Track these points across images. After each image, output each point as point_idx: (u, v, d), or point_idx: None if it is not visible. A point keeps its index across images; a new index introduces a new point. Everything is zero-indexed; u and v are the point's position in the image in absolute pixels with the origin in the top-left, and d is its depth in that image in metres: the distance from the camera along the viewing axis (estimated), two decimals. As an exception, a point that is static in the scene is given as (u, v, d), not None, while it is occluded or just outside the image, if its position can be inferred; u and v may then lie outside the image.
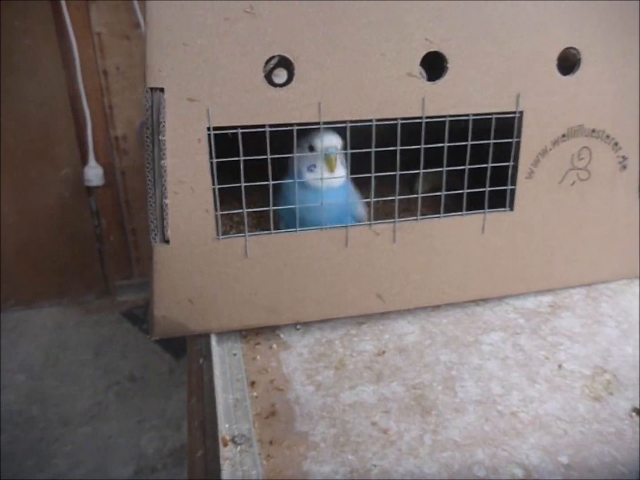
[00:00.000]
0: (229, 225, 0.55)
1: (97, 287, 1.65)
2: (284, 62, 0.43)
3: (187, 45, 0.40)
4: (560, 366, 0.44)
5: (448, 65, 0.45)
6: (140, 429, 1.17)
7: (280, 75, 0.45)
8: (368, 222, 0.48)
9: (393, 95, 0.45)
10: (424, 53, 0.44)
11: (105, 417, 1.21)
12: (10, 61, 1.41)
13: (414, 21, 0.44)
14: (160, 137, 0.41)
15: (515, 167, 0.50)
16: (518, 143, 0.50)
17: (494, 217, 0.52)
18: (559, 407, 0.39)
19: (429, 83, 0.45)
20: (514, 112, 0.49)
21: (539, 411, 0.39)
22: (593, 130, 0.52)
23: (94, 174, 1.53)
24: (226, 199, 0.46)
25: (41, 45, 1.43)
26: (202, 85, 0.41)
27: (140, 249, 1.66)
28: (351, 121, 0.46)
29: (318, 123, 0.44)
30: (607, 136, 0.53)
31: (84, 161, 1.53)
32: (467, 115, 0.48)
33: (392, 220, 0.48)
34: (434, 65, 0.47)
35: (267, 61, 0.42)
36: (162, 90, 0.40)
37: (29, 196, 1.53)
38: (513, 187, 0.51)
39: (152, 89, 0.40)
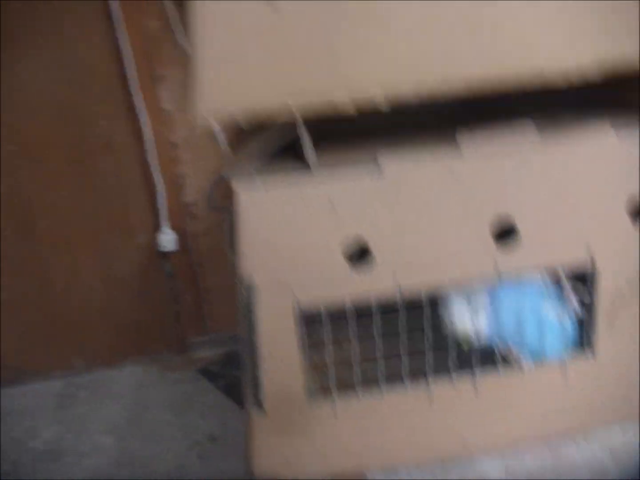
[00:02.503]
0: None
1: (174, 344, 1.73)
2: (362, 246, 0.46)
3: (274, 242, 0.43)
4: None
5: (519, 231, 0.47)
6: (223, 492, 1.21)
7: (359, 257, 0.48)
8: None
9: (467, 261, 0.47)
10: (494, 222, 0.46)
11: (189, 478, 1.26)
12: (88, 142, 1.54)
13: (482, 194, 0.46)
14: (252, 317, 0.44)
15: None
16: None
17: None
18: None
19: (501, 249, 0.47)
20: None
21: None
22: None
23: (167, 239, 1.62)
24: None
25: (115, 125, 1.54)
26: (288, 271, 0.44)
27: (214, 305, 1.73)
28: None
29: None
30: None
31: (157, 228, 1.63)
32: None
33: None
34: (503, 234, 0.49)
35: (346, 244, 0.45)
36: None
37: (109, 264, 1.64)
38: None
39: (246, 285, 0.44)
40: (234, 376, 1.59)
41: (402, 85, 0.44)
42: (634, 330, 0.49)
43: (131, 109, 1.52)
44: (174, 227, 1.63)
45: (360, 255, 0.48)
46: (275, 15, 0.41)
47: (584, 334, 0.49)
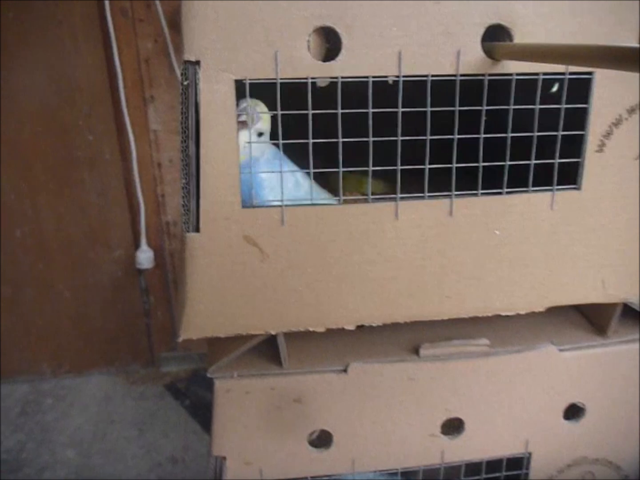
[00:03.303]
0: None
1: (142, 357, 1.76)
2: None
3: (246, 428, 0.47)
4: None
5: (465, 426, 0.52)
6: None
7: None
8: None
9: (417, 451, 0.52)
10: (444, 419, 0.51)
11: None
12: (73, 155, 1.53)
13: (435, 396, 0.50)
14: None
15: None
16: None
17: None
18: None
19: (448, 439, 0.52)
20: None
21: None
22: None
23: (145, 257, 1.64)
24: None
25: (102, 141, 1.54)
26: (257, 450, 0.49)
27: (184, 321, 1.76)
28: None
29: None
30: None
31: (136, 244, 1.64)
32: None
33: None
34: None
35: (310, 434, 0.49)
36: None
37: (84, 275, 1.65)
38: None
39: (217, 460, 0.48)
40: (199, 396, 1.65)
41: (372, 318, 0.48)
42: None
43: (119, 127, 1.52)
44: (152, 244, 1.65)
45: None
46: (262, 263, 0.44)
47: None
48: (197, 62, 0.42)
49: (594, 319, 0.59)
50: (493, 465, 0.58)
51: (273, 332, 0.48)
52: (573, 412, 0.59)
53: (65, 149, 1.53)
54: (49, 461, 1.43)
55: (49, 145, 1.51)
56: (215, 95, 0.43)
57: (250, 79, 0.43)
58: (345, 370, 0.52)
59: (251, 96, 0.45)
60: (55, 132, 1.50)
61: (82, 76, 1.46)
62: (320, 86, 0.48)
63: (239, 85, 0.43)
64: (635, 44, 0.45)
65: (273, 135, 0.45)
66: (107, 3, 1.36)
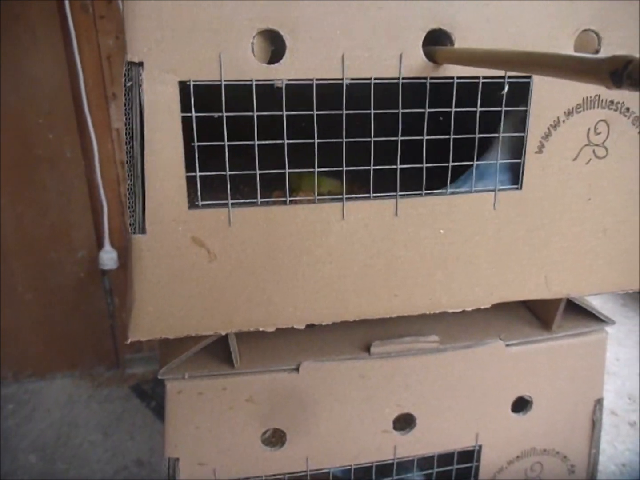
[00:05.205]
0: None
1: (107, 359, 1.74)
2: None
3: (198, 428, 0.48)
4: None
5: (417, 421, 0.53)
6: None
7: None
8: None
9: (370, 447, 0.53)
10: (396, 415, 0.52)
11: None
12: (33, 154, 1.50)
13: (386, 392, 0.51)
14: None
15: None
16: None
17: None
18: None
19: (400, 434, 0.53)
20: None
21: None
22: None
23: (108, 257, 1.61)
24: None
25: (63, 139, 1.51)
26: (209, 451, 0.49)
27: (150, 322, 1.75)
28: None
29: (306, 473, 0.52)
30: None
31: (99, 244, 1.61)
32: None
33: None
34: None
35: (264, 433, 0.50)
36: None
37: (46, 276, 1.62)
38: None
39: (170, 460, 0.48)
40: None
41: (321, 317, 0.49)
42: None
43: (80, 125, 1.49)
44: (115, 245, 1.62)
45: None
46: (211, 263, 0.44)
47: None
48: (140, 63, 0.42)
49: (539, 314, 0.61)
50: (444, 458, 0.60)
51: (223, 333, 0.48)
52: (521, 405, 0.61)
53: (24, 147, 1.50)
54: (11, 467, 1.40)
55: (7, 144, 1.48)
56: (159, 97, 0.43)
57: (194, 81, 0.43)
58: (297, 369, 0.53)
59: (202, 98, 0.45)
60: (14, 130, 1.47)
61: (41, 73, 1.43)
62: (277, 87, 0.48)
63: (183, 87, 0.43)
64: (570, 50, 0.47)
65: (218, 137, 0.45)
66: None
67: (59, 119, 1.48)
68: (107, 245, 1.61)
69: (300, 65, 0.44)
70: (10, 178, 1.50)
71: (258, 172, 0.46)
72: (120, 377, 1.71)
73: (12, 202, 1.53)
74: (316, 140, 0.46)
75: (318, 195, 0.49)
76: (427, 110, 0.46)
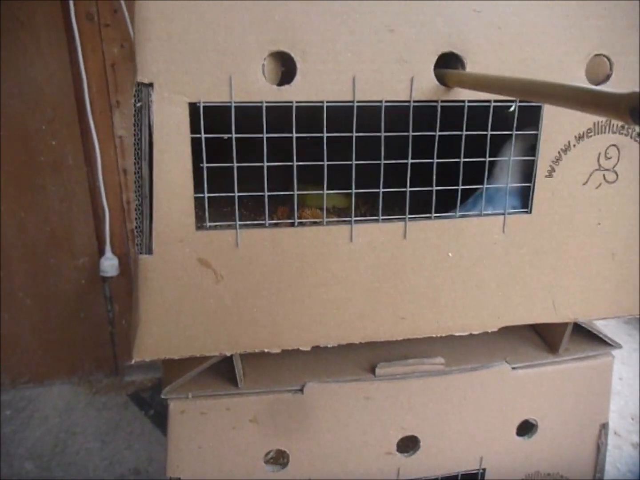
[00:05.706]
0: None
1: (106, 366, 1.73)
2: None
3: (201, 448, 0.47)
4: None
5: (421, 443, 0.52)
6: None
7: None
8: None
9: (373, 469, 0.52)
10: (400, 437, 0.52)
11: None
12: (36, 160, 1.49)
13: (391, 414, 0.51)
14: None
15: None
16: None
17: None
18: None
19: (404, 456, 0.52)
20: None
21: None
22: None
23: (109, 264, 1.61)
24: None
25: (66, 146, 1.50)
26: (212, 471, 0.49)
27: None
28: None
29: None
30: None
31: (100, 251, 1.61)
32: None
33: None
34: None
35: (267, 453, 0.49)
36: None
37: (46, 282, 1.61)
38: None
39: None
40: (163, 406, 1.62)
41: (327, 339, 0.48)
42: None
43: (84, 132, 1.49)
44: (116, 252, 1.62)
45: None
46: (217, 284, 0.44)
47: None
48: (151, 84, 0.42)
49: (546, 337, 0.61)
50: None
51: (228, 354, 0.48)
52: (526, 428, 0.60)
53: (27, 153, 1.49)
54: (7, 474, 1.39)
55: (10, 150, 1.47)
56: (168, 118, 0.42)
57: (204, 102, 0.43)
58: (301, 390, 0.52)
59: (210, 119, 0.45)
60: (17, 136, 1.46)
61: (45, 80, 1.43)
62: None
63: (193, 108, 0.43)
64: (581, 74, 0.47)
65: (223, 153, 0.45)
66: (72, 8, 1.34)
67: (62, 126, 1.48)
68: (108, 252, 1.60)
69: (311, 87, 0.44)
70: (12, 183, 1.50)
71: (267, 193, 0.46)
72: (118, 384, 1.70)
73: (13, 208, 1.53)
74: (325, 162, 0.46)
75: (322, 209, 0.49)
76: (438, 133, 0.46)
